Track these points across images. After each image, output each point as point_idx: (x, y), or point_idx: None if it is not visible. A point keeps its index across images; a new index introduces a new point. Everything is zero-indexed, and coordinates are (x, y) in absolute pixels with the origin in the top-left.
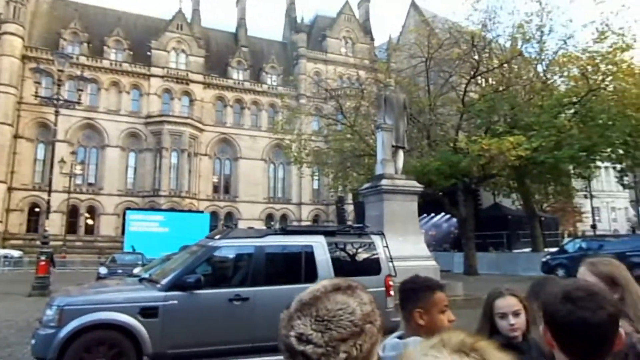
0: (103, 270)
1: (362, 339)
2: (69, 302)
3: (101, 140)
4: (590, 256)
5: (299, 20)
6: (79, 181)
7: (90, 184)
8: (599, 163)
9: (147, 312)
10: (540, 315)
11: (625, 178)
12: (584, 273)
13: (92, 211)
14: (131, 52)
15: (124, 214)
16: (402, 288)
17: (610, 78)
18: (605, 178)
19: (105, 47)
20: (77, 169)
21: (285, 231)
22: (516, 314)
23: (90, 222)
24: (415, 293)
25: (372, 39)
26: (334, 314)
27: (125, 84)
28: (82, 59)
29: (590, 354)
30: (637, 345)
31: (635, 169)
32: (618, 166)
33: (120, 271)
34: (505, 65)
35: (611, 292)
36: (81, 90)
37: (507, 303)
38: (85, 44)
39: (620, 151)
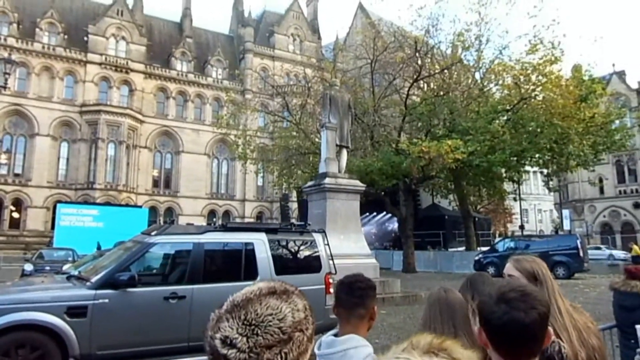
0: (28, 267)
1: (288, 347)
2: None
3: (30, 128)
4: (517, 254)
5: (246, 14)
6: (3, 171)
7: (16, 175)
8: (527, 167)
9: (74, 312)
10: (474, 309)
11: (551, 182)
12: (510, 269)
13: (18, 204)
14: (66, 36)
15: (55, 208)
16: (364, 285)
17: (540, 88)
18: (533, 182)
19: (37, 30)
20: (2, 159)
21: (225, 228)
22: None
23: (15, 215)
24: (374, 290)
25: (320, 38)
26: (263, 318)
27: (59, 70)
28: (11, 41)
29: (523, 352)
30: (562, 351)
31: (560, 173)
32: (545, 171)
33: (48, 268)
34: (445, 71)
35: (541, 291)
36: (8, 73)
37: None
38: (14, 25)
39: (547, 157)
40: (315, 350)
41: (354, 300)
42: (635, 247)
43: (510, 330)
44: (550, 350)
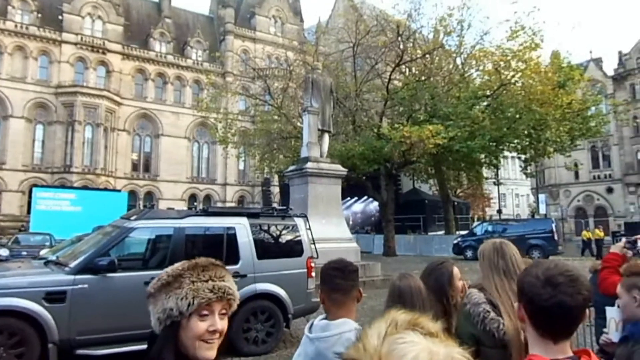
0: (4, 252)
1: (167, 290)
2: None
3: (3, 109)
4: (495, 238)
5: None
6: None
7: None
8: (506, 153)
9: (53, 297)
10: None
11: (529, 167)
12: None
13: None
14: (40, 15)
15: (30, 191)
16: (354, 268)
17: (519, 74)
18: (511, 167)
19: (9, 7)
20: None
21: (207, 212)
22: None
23: None
24: (357, 274)
25: (302, 20)
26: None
27: (33, 50)
28: None
29: (562, 333)
30: (500, 327)
31: (537, 159)
32: (522, 156)
33: (24, 253)
34: (427, 55)
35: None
36: None
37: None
38: None
39: (525, 142)
40: (306, 332)
41: (350, 283)
42: (585, 232)
43: (555, 313)
44: (489, 327)
